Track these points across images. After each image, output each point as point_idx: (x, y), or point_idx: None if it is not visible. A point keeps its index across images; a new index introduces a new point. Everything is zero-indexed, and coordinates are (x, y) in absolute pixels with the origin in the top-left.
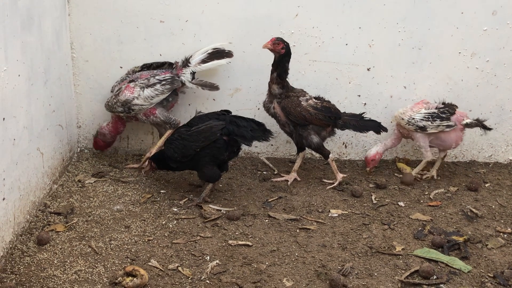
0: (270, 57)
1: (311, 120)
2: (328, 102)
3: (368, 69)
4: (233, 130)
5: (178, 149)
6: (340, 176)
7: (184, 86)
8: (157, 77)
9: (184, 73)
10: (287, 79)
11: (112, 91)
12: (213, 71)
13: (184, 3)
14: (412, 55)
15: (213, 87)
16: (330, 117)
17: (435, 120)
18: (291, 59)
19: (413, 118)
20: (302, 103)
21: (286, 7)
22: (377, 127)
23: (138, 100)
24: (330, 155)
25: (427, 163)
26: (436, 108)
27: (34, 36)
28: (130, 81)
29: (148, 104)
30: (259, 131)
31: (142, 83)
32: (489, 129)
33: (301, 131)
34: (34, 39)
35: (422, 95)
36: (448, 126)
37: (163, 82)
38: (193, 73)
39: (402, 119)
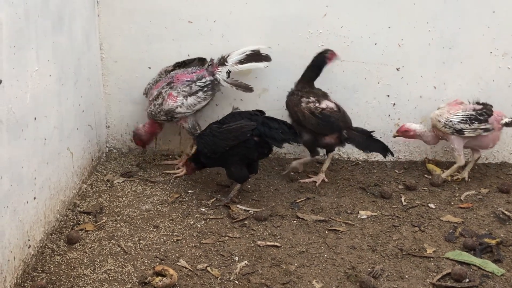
0: (298, 57)
1: (304, 123)
2: (336, 111)
3: (397, 69)
4: (264, 132)
5: (208, 145)
6: (321, 176)
7: (219, 85)
8: (198, 83)
9: (220, 71)
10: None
11: (145, 94)
12: (239, 73)
13: (212, 3)
14: (442, 54)
15: (248, 89)
16: (324, 126)
17: (473, 123)
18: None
19: (450, 121)
20: (301, 104)
21: (314, 7)
22: (384, 150)
23: (181, 109)
24: (317, 156)
25: (459, 167)
26: (473, 110)
27: (65, 36)
28: (171, 88)
29: (191, 111)
30: (290, 134)
31: (184, 91)
32: None
33: (296, 126)
34: (65, 39)
35: (453, 95)
36: (485, 130)
37: (205, 89)
38: (228, 72)
39: (439, 121)
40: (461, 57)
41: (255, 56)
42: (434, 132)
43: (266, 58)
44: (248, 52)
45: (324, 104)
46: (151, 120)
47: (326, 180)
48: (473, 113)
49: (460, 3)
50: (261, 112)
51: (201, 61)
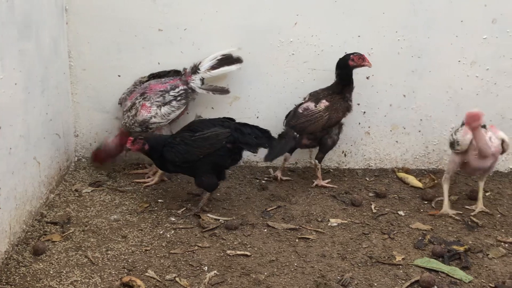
0: (269, 66)
1: None
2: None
3: (367, 78)
4: (238, 138)
5: (180, 153)
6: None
7: (194, 93)
8: (171, 93)
9: (193, 80)
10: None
11: (120, 104)
12: (213, 79)
13: (183, 11)
14: (411, 63)
15: (224, 91)
16: None
17: None
18: (290, 68)
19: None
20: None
21: (285, 16)
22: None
23: (155, 119)
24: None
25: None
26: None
27: (32, 44)
28: (144, 98)
29: (166, 121)
30: (264, 138)
31: (157, 101)
32: None
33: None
34: (32, 47)
35: (422, 104)
36: None
37: (179, 98)
38: (202, 80)
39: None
40: (430, 65)
41: (227, 60)
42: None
43: (238, 60)
44: (219, 57)
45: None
46: (122, 131)
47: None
48: None
49: (428, 12)
50: (231, 120)
51: (176, 73)
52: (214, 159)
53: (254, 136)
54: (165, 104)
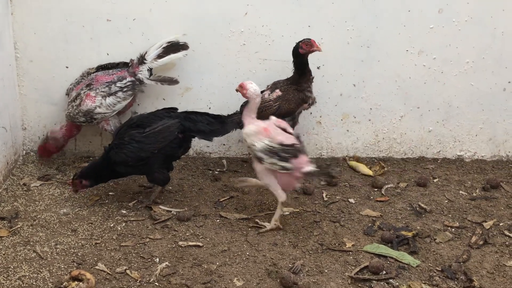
0: (220, 56)
1: None
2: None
3: (318, 68)
4: (189, 127)
5: (133, 153)
6: None
7: (142, 84)
8: (118, 84)
9: (141, 71)
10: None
11: (67, 94)
12: (163, 70)
13: (132, 1)
14: (361, 53)
15: (173, 81)
16: None
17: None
18: (242, 59)
19: (254, 145)
20: None
21: (235, 6)
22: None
23: (100, 109)
24: None
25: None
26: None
27: None
28: (90, 89)
29: (111, 112)
30: (216, 124)
31: (103, 91)
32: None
33: None
34: None
35: (371, 93)
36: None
37: (125, 89)
38: (150, 70)
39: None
40: (379, 55)
41: (172, 48)
42: None
43: (184, 47)
44: (164, 45)
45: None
46: (69, 122)
47: None
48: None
49: (376, 2)
50: (173, 109)
51: (125, 65)
52: (166, 151)
53: (206, 122)
54: (110, 94)
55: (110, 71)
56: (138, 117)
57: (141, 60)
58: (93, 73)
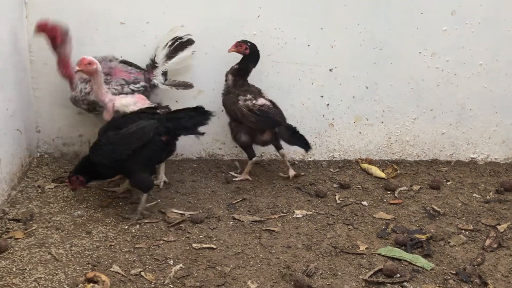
0: (233, 58)
1: (243, 120)
2: (272, 108)
3: (330, 70)
4: (174, 126)
5: (108, 154)
6: (246, 176)
7: (157, 88)
8: (131, 86)
9: (155, 76)
10: (247, 78)
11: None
12: (177, 72)
13: (145, 4)
14: (373, 55)
15: (187, 86)
16: (264, 122)
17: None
18: None
19: None
20: (239, 102)
21: (248, 8)
22: (306, 145)
23: None
24: (254, 159)
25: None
26: None
27: None
28: (104, 82)
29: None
30: (198, 116)
31: (115, 89)
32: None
33: (234, 125)
34: None
35: (384, 95)
36: None
37: (136, 93)
38: (164, 73)
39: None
40: (392, 57)
41: (179, 46)
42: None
43: (189, 42)
44: (169, 43)
45: (260, 101)
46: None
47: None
48: None
49: (390, 4)
50: (154, 108)
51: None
52: (147, 154)
53: (188, 117)
54: (121, 94)
55: (130, 68)
56: (119, 117)
57: (153, 64)
58: (115, 60)
